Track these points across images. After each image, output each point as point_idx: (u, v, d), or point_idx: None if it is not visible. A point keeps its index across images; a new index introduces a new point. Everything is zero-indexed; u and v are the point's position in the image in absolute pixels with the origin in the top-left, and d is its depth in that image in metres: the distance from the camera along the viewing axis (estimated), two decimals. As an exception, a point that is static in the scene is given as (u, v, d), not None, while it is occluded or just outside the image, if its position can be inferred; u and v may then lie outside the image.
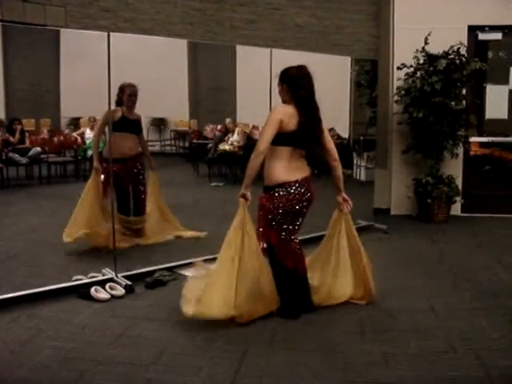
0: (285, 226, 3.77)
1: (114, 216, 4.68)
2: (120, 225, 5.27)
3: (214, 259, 4.88)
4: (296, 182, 3.68)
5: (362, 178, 7.14)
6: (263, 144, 3.55)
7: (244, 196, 3.63)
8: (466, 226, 6.72)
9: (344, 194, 4.00)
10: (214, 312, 3.57)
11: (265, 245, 3.79)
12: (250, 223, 3.67)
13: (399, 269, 4.99)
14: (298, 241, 3.89)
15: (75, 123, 9.22)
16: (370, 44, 7.19)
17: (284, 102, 3.76)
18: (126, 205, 5.40)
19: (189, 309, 3.58)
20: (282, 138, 3.59)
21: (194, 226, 5.73)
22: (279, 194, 3.68)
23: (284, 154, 3.65)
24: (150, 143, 6.76)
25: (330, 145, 3.89)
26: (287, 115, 3.60)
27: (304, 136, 3.65)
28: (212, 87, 10.40)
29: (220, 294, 3.60)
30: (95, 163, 5.18)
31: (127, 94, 5.22)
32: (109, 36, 4.29)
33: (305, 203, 3.76)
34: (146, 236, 5.49)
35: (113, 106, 4.90)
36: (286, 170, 3.67)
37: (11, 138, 7.99)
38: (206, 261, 4.86)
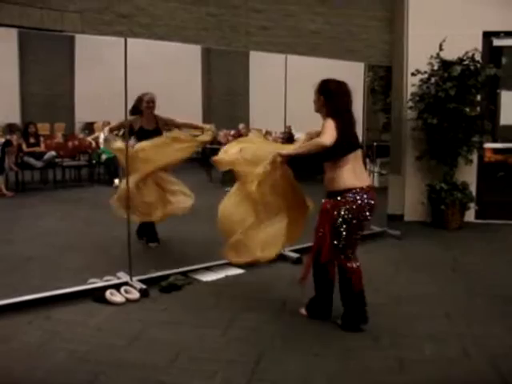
0: (347, 240, 3.57)
1: (129, 216, 4.70)
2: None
3: (228, 264, 4.93)
4: (362, 188, 3.56)
5: (376, 184, 7.10)
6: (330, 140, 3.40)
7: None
8: (480, 233, 6.68)
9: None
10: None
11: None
12: None
13: (413, 275, 4.97)
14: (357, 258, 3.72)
15: (89, 128, 9.32)
16: (383, 50, 7.19)
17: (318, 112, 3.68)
18: None
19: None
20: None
21: (208, 230, 5.71)
22: (346, 199, 3.54)
23: (348, 161, 3.59)
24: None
25: None
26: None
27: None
28: (225, 93, 10.46)
29: None
30: None
31: (145, 102, 5.16)
32: (126, 42, 4.31)
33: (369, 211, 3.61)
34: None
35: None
36: (352, 175, 3.58)
37: (24, 145, 8.10)
38: (220, 265, 4.92)
